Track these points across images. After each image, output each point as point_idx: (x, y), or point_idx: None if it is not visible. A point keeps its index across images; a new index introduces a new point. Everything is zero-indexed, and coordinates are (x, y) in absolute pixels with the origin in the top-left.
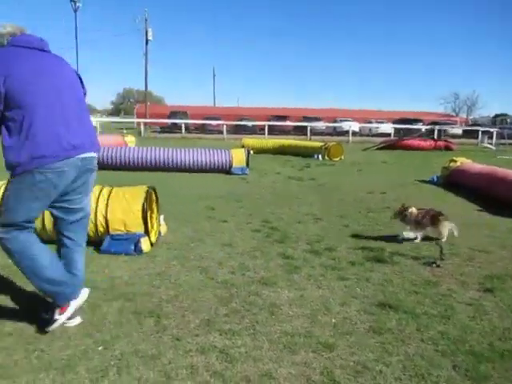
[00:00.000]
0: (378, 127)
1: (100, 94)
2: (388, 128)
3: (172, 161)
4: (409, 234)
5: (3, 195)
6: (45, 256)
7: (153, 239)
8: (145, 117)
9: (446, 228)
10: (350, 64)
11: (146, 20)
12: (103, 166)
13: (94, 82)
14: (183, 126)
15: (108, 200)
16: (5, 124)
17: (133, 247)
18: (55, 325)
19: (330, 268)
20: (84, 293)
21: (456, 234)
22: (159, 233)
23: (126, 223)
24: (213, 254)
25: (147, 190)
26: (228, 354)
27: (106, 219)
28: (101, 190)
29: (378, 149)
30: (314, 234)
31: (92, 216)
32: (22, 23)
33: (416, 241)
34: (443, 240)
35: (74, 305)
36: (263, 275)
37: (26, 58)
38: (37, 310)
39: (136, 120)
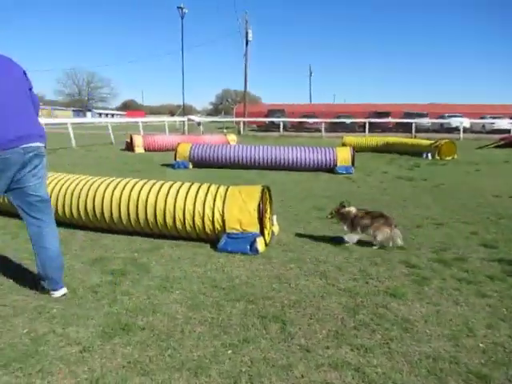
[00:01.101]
0: (493, 123)
1: (200, 96)
2: (505, 124)
3: (275, 159)
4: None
5: None
6: None
7: (267, 239)
8: (243, 116)
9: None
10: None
11: (246, 22)
12: (209, 163)
13: (194, 84)
14: (281, 124)
15: (225, 198)
16: None
17: (248, 247)
18: None
19: (464, 281)
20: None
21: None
22: (272, 233)
23: (242, 222)
24: (329, 258)
25: (262, 190)
26: (364, 373)
27: (223, 218)
28: (217, 189)
29: (496, 147)
30: (438, 241)
31: (209, 213)
32: (136, 30)
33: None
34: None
35: None
36: (388, 285)
37: None
38: (163, 304)
39: (235, 119)
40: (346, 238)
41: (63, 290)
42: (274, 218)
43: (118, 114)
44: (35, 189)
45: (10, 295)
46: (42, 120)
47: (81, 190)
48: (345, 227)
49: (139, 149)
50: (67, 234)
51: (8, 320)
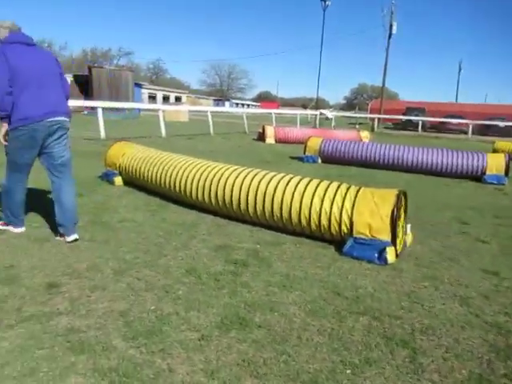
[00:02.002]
0: None
1: (333, 90)
2: None
3: (412, 160)
4: None
5: None
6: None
7: (398, 249)
8: (379, 112)
9: None
10: None
11: (391, 13)
12: (339, 159)
13: (329, 78)
14: (420, 123)
15: (355, 200)
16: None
17: (377, 255)
18: None
19: None
20: (72, 237)
21: None
22: (404, 243)
23: (372, 227)
24: (473, 282)
25: (398, 194)
26: None
27: (351, 220)
28: (348, 188)
29: None
30: None
31: (336, 214)
32: (276, 24)
33: None
34: None
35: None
36: None
37: (17, 51)
38: (281, 304)
39: (369, 115)
40: None
41: (74, 236)
42: (408, 226)
43: (252, 105)
44: (58, 154)
45: (144, 270)
46: (187, 107)
47: (213, 176)
48: None
49: (270, 140)
50: (198, 217)
51: (139, 294)
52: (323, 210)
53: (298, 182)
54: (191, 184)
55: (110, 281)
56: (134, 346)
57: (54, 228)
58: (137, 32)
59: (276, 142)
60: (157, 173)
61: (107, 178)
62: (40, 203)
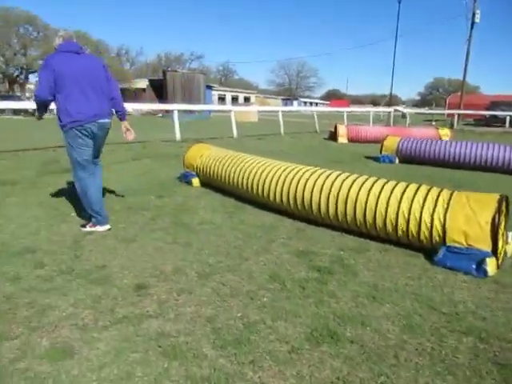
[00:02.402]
0: None
1: (405, 86)
2: None
3: (503, 159)
4: None
5: None
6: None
7: (499, 260)
8: (458, 108)
9: None
10: None
11: (475, 1)
12: (419, 159)
13: (400, 74)
14: (507, 118)
15: (448, 204)
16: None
17: (474, 266)
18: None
19: None
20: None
21: None
22: (505, 253)
23: (469, 235)
24: None
25: (500, 199)
26: None
27: (444, 227)
28: (440, 192)
29: None
30: None
31: (427, 220)
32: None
33: None
34: None
35: (99, 229)
36: None
37: (67, 60)
38: (372, 317)
39: (447, 111)
40: None
41: (107, 227)
42: (510, 235)
43: (321, 103)
44: (98, 150)
45: (227, 274)
46: (256, 107)
47: (292, 178)
48: None
49: (343, 139)
50: (276, 219)
51: (225, 300)
52: (412, 216)
53: (383, 186)
54: (269, 186)
55: (195, 284)
56: (223, 355)
57: (139, 228)
58: (207, 36)
59: (349, 141)
60: (234, 174)
61: (185, 179)
62: (124, 206)
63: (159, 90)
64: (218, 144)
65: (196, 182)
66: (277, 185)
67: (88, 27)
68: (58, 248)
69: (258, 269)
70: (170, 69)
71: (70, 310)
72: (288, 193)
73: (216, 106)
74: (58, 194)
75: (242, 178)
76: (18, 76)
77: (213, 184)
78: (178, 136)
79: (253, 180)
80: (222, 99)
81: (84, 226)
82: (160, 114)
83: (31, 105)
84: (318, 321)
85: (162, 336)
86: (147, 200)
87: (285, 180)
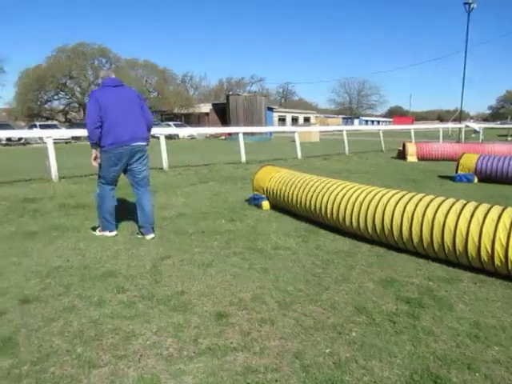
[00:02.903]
0: None
1: (474, 100)
2: None
3: None
4: None
5: None
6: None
7: None
8: None
9: None
10: None
11: None
12: (501, 178)
13: (468, 87)
14: None
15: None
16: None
17: None
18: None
19: None
20: (150, 236)
21: None
22: None
23: None
24: None
25: None
26: None
27: (507, 252)
28: (501, 212)
29: None
30: None
31: (487, 243)
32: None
33: None
34: None
35: (107, 234)
36: None
37: (107, 93)
38: (480, 362)
39: None
40: None
41: (151, 235)
42: None
43: (384, 121)
44: (139, 171)
45: (309, 305)
46: (319, 127)
47: (370, 201)
48: None
49: (412, 157)
50: (353, 245)
51: (310, 333)
52: (511, 244)
53: (475, 209)
54: (345, 209)
55: (276, 315)
56: None
57: (214, 253)
58: (267, 59)
59: (418, 159)
60: (305, 197)
61: (255, 202)
62: (197, 229)
63: (222, 114)
64: (282, 165)
65: (266, 204)
66: (353, 208)
67: (155, 57)
68: (138, 272)
69: (341, 299)
70: (231, 92)
71: (154, 339)
72: (366, 217)
73: (279, 128)
74: (131, 217)
75: (315, 201)
76: None
77: (283, 207)
78: (243, 158)
79: (326, 203)
80: (282, 120)
81: (94, 229)
82: (223, 137)
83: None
84: (417, 362)
85: (249, 371)
86: (219, 223)
87: (362, 203)
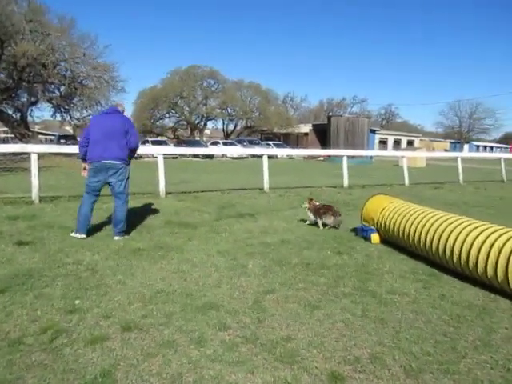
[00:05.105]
0: None
1: None
2: None
3: None
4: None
5: None
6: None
7: None
8: None
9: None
10: None
11: None
12: None
13: None
14: None
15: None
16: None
17: None
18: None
19: None
20: (115, 238)
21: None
22: None
23: None
24: None
25: None
26: None
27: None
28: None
29: None
30: None
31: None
32: None
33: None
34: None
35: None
36: None
37: (98, 118)
38: None
39: None
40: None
41: (117, 238)
42: None
43: (498, 147)
44: (114, 185)
45: (443, 376)
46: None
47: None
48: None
49: None
50: (486, 298)
51: None
52: None
53: None
54: (477, 254)
55: None
56: None
57: (321, 292)
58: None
59: None
60: (425, 234)
61: (363, 233)
62: (301, 260)
63: (322, 134)
64: (388, 192)
65: (376, 238)
66: (489, 254)
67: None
68: (240, 307)
69: (485, 375)
70: (331, 113)
71: None
72: (507, 266)
73: (385, 152)
74: (234, 241)
75: (438, 241)
76: (198, 123)
77: (395, 242)
78: (345, 182)
79: (453, 245)
80: (383, 143)
81: (73, 231)
82: (321, 158)
83: (212, 150)
84: None
85: None
86: (324, 255)
87: (501, 249)
